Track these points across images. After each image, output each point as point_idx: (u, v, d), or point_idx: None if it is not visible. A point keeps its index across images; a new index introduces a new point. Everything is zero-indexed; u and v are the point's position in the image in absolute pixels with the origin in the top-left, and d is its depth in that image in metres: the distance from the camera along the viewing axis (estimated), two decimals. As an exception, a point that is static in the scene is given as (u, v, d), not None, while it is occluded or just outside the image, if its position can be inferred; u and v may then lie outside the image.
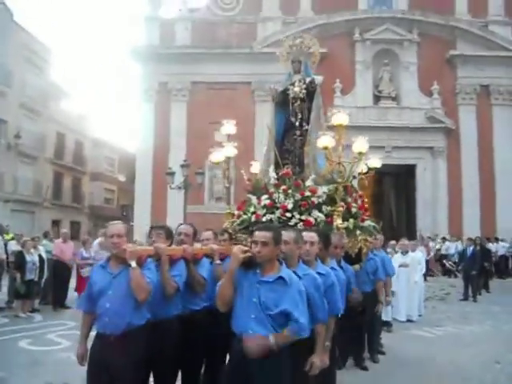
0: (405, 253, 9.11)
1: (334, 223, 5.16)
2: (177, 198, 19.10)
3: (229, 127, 6.15)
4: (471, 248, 12.28)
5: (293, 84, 6.34)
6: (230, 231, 5.32)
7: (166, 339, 3.63)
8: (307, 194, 5.41)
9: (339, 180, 5.29)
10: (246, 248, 3.06)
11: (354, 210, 5.54)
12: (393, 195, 25.26)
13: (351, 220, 5.42)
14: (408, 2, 22.06)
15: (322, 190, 5.45)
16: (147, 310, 3.44)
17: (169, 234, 4.03)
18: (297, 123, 6.18)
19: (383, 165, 24.25)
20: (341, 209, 5.24)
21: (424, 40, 21.39)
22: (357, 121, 20.90)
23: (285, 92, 6.39)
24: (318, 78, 6.39)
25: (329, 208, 5.35)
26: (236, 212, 6.01)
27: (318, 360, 3.37)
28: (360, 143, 5.38)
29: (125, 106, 70.03)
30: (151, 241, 3.98)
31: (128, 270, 3.23)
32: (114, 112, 66.80)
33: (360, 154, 5.41)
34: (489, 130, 21.12)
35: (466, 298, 12.00)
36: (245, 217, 5.65)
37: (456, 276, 16.27)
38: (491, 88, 21.34)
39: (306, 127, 6.13)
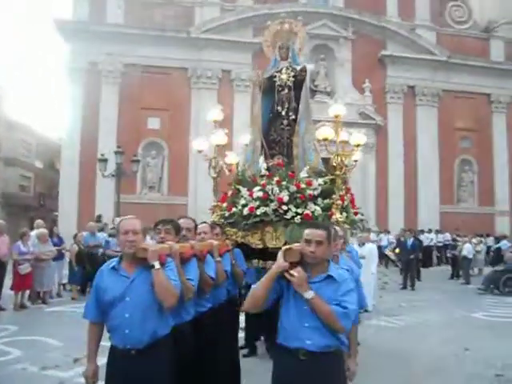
0: (362, 245, 9.30)
1: (334, 216, 5.02)
2: (107, 187, 18.05)
3: (216, 113, 5.71)
4: (411, 239, 12.94)
5: (280, 71, 6.05)
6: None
7: (181, 347, 3.23)
8: (303, 186, 5.20)
9: (337, 172, 5.14)
10: (297, 246, 2.75)
11: (345, 202, 5.43)
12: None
13: (344, 213, 5.32)
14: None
15: (318, 182, 5.27)
16: (171, 317, 3.03)
17: (177, 230, 3.60)
18: (283, 112, 5.92)
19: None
20: (339, 202, 5.11)
21: (358, 38, 22.06)
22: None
23: (271, 79, 6.09)
24: (310, 66, 6.17)
25: (325, 201, 5.20)
26: (223, 204, 5.63)
27: (354, 364, 3.20)
28: (358, 135, 5.26)
29: (49, 86, 64.40)
30: (159, 238, 3.52)
31: (147, 272, 2.80)
32: (35, 93, 60.87)
33: (358, 145, 5.30)
34: (413, 129, 22.39)
35: (405, 287, 12.62)
36: (235, 210, 5.30)
37: (397, 266, 17.00)
38: (417, 89, 22.60)
39: (293, 117, 5.88)
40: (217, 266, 3.95)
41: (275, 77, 6.04)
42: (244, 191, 5.32)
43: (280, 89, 5.97)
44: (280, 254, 2.66)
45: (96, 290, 2.89)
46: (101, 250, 11.97)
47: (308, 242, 2.63)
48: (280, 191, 5.14)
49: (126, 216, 3.06)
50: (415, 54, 22.26)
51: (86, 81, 19.66)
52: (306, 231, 2.69)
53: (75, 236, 11.99)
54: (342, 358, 2.76)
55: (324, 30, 21.80)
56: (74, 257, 11.35)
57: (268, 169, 5.47)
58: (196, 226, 4.06)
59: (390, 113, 22.37)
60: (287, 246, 2.75)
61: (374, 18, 22.10)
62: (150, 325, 2.77)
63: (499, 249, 16.87)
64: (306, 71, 6.00)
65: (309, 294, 2.54)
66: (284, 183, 5.20)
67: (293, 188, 5.15)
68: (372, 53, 22.10)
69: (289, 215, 5.04)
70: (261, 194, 5.17)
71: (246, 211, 5.15)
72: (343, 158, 5.20)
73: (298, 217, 5.01)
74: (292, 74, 5.95)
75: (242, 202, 5.28)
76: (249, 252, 5.15)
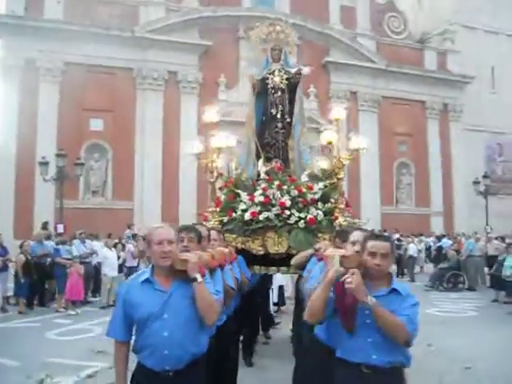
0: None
1: (337, 221, 5.00)
2: (46, 193, 17.02)
3: (211, 114, 5.49)
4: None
5: (272, 73, 5.96)
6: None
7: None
8: (304, 190, 5.14)
9: (340, 176, 5.13)
10: (355, 255, 2.67)
11: (341, 206, 5.44)
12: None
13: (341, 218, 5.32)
14: (290, 5, 22.93)
15: (318, 186, 5.23)
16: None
17: (200, 238, 3.39)
18: (278, 115, 5.83)
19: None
20: (342, 206, 5.10)
21: (304, 44, 22.38)
22: (241, 117, 21.11)
23: (263, 81, 5.98)
24: (305, 70, 6.09)
25: (327, 205, 5.17)
26: (216, 209, 5.41)
27: None
28: (358, 139, 5.28)
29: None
30: (182, 246, 3.27)
31: (185, 286, 2.55)
32: None
33: (357, 150, 5.32)
34: (356, 133, 23.10)
35: None
36: (235, 215, 5.13)
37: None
38: (358, 95, 23.46)
39: (288, 120, 5.81)
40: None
41: (267, 79, 5.93)
42: (244, 196, 5.16)
43: (273, 91, 5.88)
44: (334, 261, 2.57)
45: (124, 305, 2.59)
46: (49, 260, 11.29)
47: (373, 254, 2.54)
48: (282, 196, 5.04)
49: (159, 223, 2.80)
50: (357, 62, 23.09)
51: (22, 79, 18.35)
52: (371, 243, 2.58)
53: (21, 245, 11.15)
54: (403, 374, 2.70)
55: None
56: (20, 268, 10.55)
57: (267, 173, 5.34)
58: (209, 233, 3.88)
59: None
60: (341, 252, 2.66)
61: (318, 25, 22.65)
62: (191, 343, 2.53)
63: (441, 247, 17.87)
64: (300, 74, 5.94)
65: (370, 300, 2.46)
66: (285, 187, 5.11)
67: (294, 192, 5.08)
68: (316, 59, 22.54)
69: (292, 220, 4.96)
70: (262, 198, 5.04)
71: (247, 216, 5.00)
72: (343, 162, 5.20)
73: (302, 221, 4.95)
74: (285, 76, 5.88)
75: (242, 206, 5.11)
76: (249, 258, 5.00)
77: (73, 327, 8.79)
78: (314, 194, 5.13)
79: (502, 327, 8.64)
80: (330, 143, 5.12)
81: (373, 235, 2.73)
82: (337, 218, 4.96)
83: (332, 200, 5.24)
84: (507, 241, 14.72)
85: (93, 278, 12.05)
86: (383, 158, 23.37)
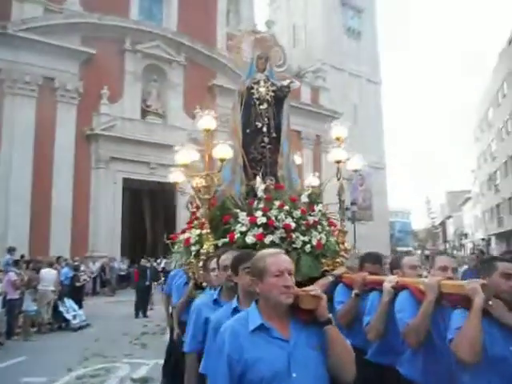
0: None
1: (342, 246, 4.78)
2: None
3: (207, 121, 4.85)
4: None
5: (257, 83, 5.54)
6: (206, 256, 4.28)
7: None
8: (308, 211, 4.81)
9: (342, 198, 4.94)
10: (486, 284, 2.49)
11: (345, 229, 5.26)
12: (153, 211, 25.06)
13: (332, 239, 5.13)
14: (177, 24, 22.53)
15: (318, 207, 4.95)
16: None
17: None
18: (264, 128, 5.41)
19: (146, 181, 24.02)
20: (338, 226, 4.91)
21: (190, 64, 22.23)
22: (123, 132, 19.88)
23: (248, 90, 5.52)
24: (295, 84, 5.79)
25: (327, 228, 4.92)
26: (203, 231, 4.74)
27: None
28: (356, 160, 5.18)
29: None
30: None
31: (307, 331, 1.95)
32: None
33: (355, 171, 5.21)
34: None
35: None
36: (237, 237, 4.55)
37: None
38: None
39: (274, 135, 5.44)
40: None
41: (252, 88, 5.49)
42: (243, 216, 4.62)
43: (258, 102, 5.45)
44: (474, 288, 2.37)
45: (231, 364, 1.87)
46: None
47: (508, 276, 2.38)
48: (286, 217, 4.64)
49: (269, 250, 2.21)
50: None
51: None
52: (505, 264, 2.42)
53: None
54: None
55: (157, 51, 21.29)
56: None
57: (265, 191, 4.86)
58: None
59: (218, 140, 22.92)
60: (481, 282, 2.45)
61: (206, 48, 22.66)
62: None
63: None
64: (289, 88, 5.64)
65: None
66: (286, 208, 4.73)
67: (297, 213, 4.72)
68: (203, 80, 22.53)
69: (298, 244, 4.58)
70: (265, 219, 4.57)
71: (250, 240, 4.47)
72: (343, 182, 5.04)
73: (308, 246, 4.60)
74: (272, 88, 5.51)
75: (242, 228, 4.57)
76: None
77: None
78: (315, 215, 4.85)
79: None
80: (338, 162, 4.92)
81: (503, 257, 2.61)
82: (344, 241, 4.74)
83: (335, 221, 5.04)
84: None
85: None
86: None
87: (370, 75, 31.29)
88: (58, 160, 18.08)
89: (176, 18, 22.67)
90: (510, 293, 2.36)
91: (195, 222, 5.27)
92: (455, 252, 43.53)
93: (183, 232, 5.56)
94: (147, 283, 12.79)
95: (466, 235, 53.01)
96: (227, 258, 2.97)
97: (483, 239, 40.76)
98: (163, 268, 16.57)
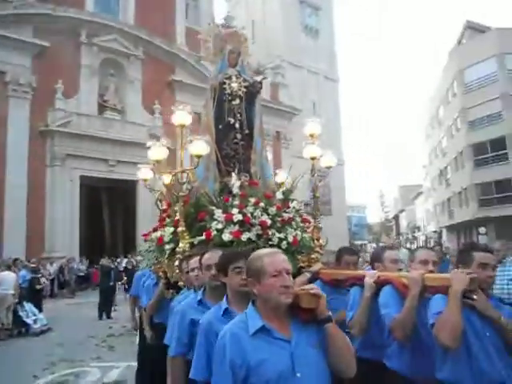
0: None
1: (317, 242, 4.83)
2: None
3: (182, 116, 4.73)
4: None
5: (229, 78, 5.48)
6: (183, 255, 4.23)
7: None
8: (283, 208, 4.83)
9: (317, 194, 4.98)
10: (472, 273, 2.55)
11: (320, 225, 5.30)
12: (111, 210, 24.43)
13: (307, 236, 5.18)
14: (134, 18, 22.01)
15: (293, 204, 4.98)
16: None
17: None
18: (236, 125, 5.36)
19: (106, 179, 23.45)
20: (313, 223, 4.97)
21: (149, 59, 21.79)
22: (79, 129, 19.28)
23: (220, 86, 5.45)
24: (267, 80, 5.75)
25: (301, 224, 4.96)
26: (179, 229, 4.65)
27: None
28: (329, 157, 5.23)
29: None
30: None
31: (306, 330, 1.95)
32: None
33: (329, 167, 5.27)
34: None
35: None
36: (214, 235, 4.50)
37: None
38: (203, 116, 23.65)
39: (247, 131, 5.41)
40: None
41: (224, 83, 5.43)
42: (219, 213, 4.57)
43: (230, 98, 5.39)
44: (460, 278, 2.42)
45: (234, 368, 1.84)
46: None
47: (484, 265, 2.48)
48: (261, 214, 4.64)
49: (265, 249, 2.15)
50: (202, 84, 23.30)
51: None
52: (481, 254, 2.52)
53: None
54: None
55: (114, 45, 20.73)
56: None
57: (240, 188, 4.83)
58: None
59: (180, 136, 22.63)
60: (469, 273, 2.50)
61: (165, 42, 22.27)
62: None
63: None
64: (261, 84, 5.62)
65: (500, 315, 2.39)
66: (262, 205, 4.72)
67: (272, 210, 4.73)
68: (162, 75, 22.16)
69: (275, 241, 4.59)
70: (241, 217, 4.55)
71: (227, 237, 4.43)
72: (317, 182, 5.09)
73: (284, 242, 4.62)
74: (244, 84, 5.47)
75: (218, 226, 4.52)
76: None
77: None
78: (290, 212, 4.87)
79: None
80: (312, 136, 4.96)
81: (479, 247, 2.65)
82: (319, 238, 4.79)
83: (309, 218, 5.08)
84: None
85: None
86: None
87: (327, 73, 31.76)
88: (10, 158, 17.28)
89: (133, 11, 22.16)
90: (487, 283, 2.48)
91: (168, 220, 5.16)
92: (409, 244, 45.11)
93: (155, 230, 5.43)
94: (111, 283, 12.48)
95: (418, 228, 55.09)
96: (211, 257, 2.91)
97: (435, 231, 42.50)
98: (125, 267, 16.21)
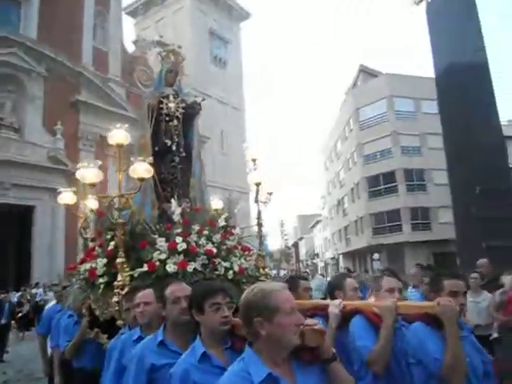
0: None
1: (263, 270, 4.78)
2: None
3: (120, 135, 4.43)
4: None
5: (166, 97, 5.30)
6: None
7: None
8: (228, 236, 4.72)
9: (260, 221, 4.94)
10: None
11: (263, 253, 5.27)
12: (2, 239, 22.01)
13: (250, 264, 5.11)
14: (37, 32, 20.68)
15: (236, 231, 4.89)
16: None
17: None
18: (174, 147, 5.17)
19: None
20: (263, 253, 4.92)
21: (52, 77, 20.50)
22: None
23: (157, 105, 5.24)
24: (204, 102, 5.64)
25: (245, 252, 4.88)
26: (118, 260, 4.29)
27: None
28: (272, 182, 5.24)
29: None
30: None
31: (309, 371, 1.81)
32: None
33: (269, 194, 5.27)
34: (105, 179, 22.13)
35: None
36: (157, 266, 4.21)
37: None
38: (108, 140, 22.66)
39: (184, 154, 5.24)
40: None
41: (161, 103, 5.24)
42: (162, 242, 4.32)
43: (167, 118, 5.21)
44: (446, 305, 2.41)
45: None
46: None
47: (455, 293, 2.52)
48: (207, 243, 4.49)
49: (271, 284, 1.93)
50: (108, 106, 22.46)
51: None
52: (451, 282, 2.56)
53: None
54: None
55: (14, 59, 19.22)
56: None
57: (182, 215, 4.62)
58: None
59: (83, 160, 21.39)
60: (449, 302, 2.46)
61: (70, 61, 21.18)
62: None
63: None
64: (200, 105, 5.51)
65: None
66: (205, 232, 4.57)
67: (217, 238, 4.60)
68: (65, 95, 20.97)
69: (221, 271, 4.45)
70: (185, 245, 4.35)
71: (172, 268, 4.19)
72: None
73: (231, 272, 4.50)
74: (182, 104, 5.32)
75: (161, 256, 4.26)
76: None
77: None
78: (233, 240, 4.76)
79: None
80: (257, 185, 4.93)
81: (449, 274, 2.67)
82: (264, 266, 4.73)
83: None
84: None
85: None
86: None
87: (234, 103, 32.46)
88: None
89: (36, 26, 20.81)
90: (460, 311, 2.47)
91: (99, 250, 4.76)
92: (308, 270, 46.76)
93: (82, 262, 4.98)
94: (3, 321, 11.10)
95: (317, 255, 57.48)
96: (180, 288, 2.67)
97: (333, 258, 44.64)
98: (17, 302, 14.66)
